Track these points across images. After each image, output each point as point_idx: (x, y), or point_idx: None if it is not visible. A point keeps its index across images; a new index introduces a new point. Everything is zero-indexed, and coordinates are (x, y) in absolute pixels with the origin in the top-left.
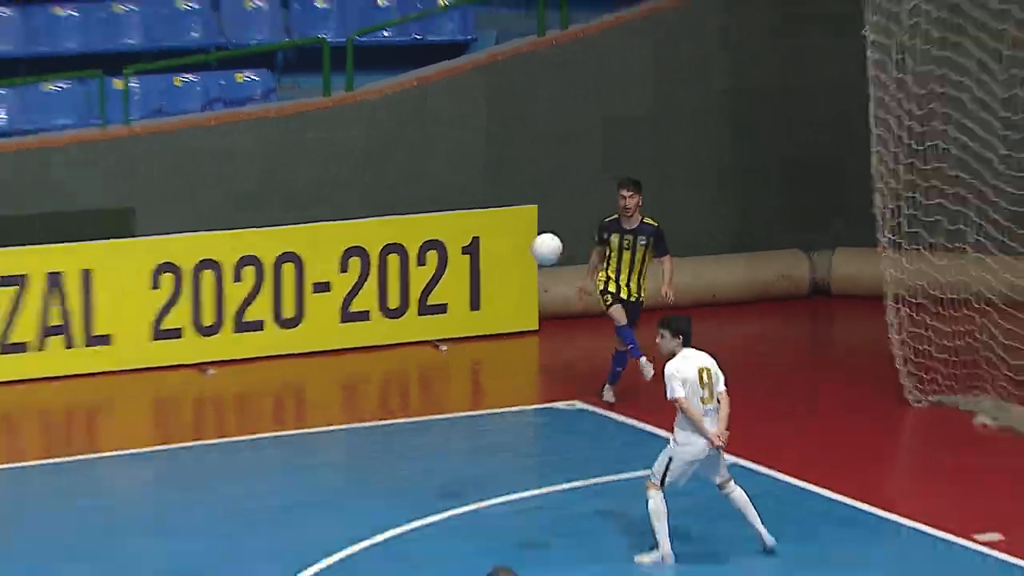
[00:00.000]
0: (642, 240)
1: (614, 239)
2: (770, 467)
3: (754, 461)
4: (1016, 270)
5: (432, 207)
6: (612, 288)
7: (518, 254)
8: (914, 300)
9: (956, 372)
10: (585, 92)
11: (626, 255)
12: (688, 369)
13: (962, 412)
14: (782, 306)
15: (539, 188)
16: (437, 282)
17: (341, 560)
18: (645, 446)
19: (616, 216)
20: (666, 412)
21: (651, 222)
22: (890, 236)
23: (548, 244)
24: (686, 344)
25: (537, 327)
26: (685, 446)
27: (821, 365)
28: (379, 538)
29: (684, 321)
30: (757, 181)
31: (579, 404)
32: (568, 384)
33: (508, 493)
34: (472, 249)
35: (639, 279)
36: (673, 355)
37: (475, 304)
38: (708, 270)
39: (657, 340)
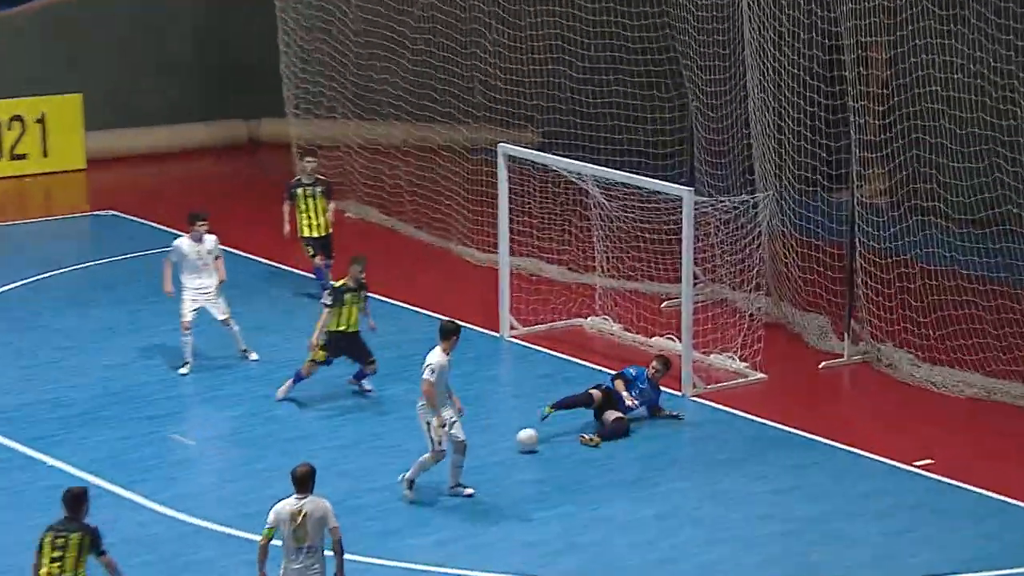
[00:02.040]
0: (320, 189)
1: (299, 192)
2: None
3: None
4: (365, 128)
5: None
6: (307, 232)
7: (71, 120)
8: (309, 147)
9: (332, 171)
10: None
11: (310, 202)
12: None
13: (338, 211)
14: (236, 151)
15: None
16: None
17: None
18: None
19: (299, 177)
20: None
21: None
22: (294, 111)
23: (527, 437)
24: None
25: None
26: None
27: (262, 184)
28: None
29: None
30: (215, 80)
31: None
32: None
33: None
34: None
35: (324, 217)
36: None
37: (46, 154)
38: (182, 134)
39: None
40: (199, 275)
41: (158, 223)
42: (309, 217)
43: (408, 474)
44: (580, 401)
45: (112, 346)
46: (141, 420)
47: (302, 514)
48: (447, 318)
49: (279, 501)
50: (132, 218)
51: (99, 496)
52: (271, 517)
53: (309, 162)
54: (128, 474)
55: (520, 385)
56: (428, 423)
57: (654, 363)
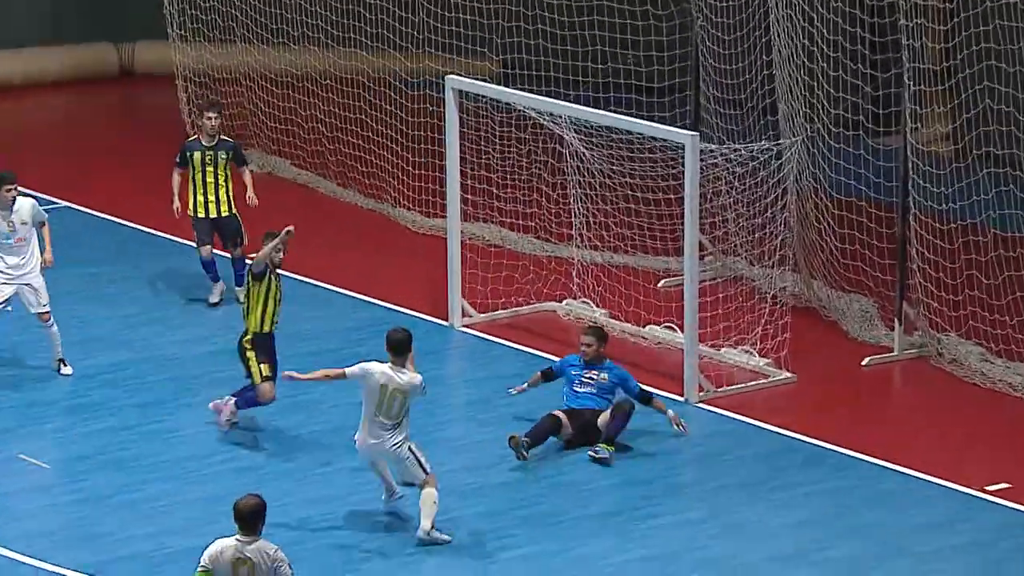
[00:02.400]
0: (223, 153)
1: (197, 156)
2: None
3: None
4: (271, 56)
5: None
6: (201, 212)
7: None
8: (197, 79)
9: (231, 133)
10: None
11: (210, 171)
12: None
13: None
14: (98, 86)
15: None
16: None
17: None
18: None
19: (195, 137)
20: None
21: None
22: (178, 33)
23: None
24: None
25: None
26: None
27: (133, 129)
28: None
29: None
30: None
31: None
32: None
33: None
34: None
35: (227, 191)
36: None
37: None
38: (32, 61)
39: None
40: (12, 254)
41: None
42: (206, 191)
43: (425, 524)
44: (548, 428)
45: None
46: None
47: (247, 564)
48: (398, 327)
49: (216, 540)
50: None
51: None
52: (206, 558)
53: (211, 118)
54: None
55: (476, 388)
56: (411, 448)
57: (583, 338)
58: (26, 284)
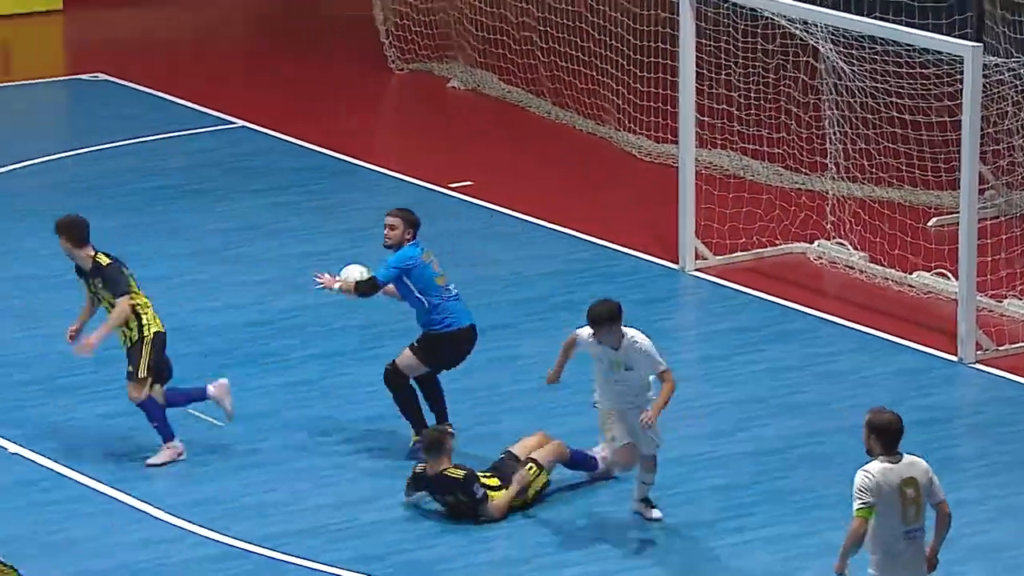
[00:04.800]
0: None
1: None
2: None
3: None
4: None
5: None
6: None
7: None
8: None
9: (431, 43)
10: None
11: None
12: None
13: (437, 77)
14: None
15: None
16: None
17: None
18: (164, 110)
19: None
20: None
21: None
22: None
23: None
24: None
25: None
26: None
27: (314, 39)
28: None
29: None
30: None
31: (102, 76)
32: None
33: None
34: None
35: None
36: None
37: None
38: None
39: None
40: None
41: (171, 94)
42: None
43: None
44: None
45: None
46: None
47: (912, 484)
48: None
49: (861, 470)
50: (131, 85)
51: (83, 499)
52: (868, 487)
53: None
54: (124, 470)
55: (711, 343)
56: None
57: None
58: None
